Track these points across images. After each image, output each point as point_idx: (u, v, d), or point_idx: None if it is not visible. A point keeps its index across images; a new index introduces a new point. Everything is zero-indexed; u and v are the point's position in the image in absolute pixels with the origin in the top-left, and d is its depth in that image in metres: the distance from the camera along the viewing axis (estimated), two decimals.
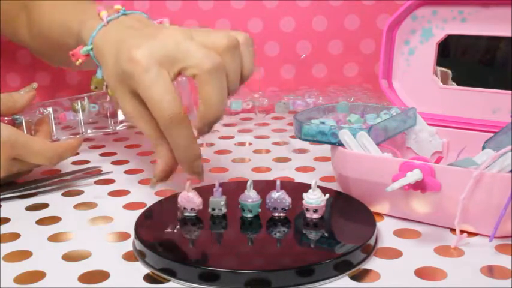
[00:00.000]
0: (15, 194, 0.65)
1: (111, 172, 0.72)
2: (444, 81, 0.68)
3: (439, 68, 0.69)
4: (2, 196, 0.64)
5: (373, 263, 0.49)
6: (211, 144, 0.84)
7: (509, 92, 0.64)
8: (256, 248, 0.51)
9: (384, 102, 0.80)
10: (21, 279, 0.48)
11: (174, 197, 0.58)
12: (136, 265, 0.50)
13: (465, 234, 0.53)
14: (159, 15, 1.00)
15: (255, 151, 0.81)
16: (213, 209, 0.55)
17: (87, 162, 0.77)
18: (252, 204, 0.54)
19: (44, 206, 0.63)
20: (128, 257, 0.51)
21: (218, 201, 0.54)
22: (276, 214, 0.54)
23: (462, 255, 0.50)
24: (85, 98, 0.73)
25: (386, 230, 0.55)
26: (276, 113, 0.92)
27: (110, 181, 0.70)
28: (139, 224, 0.54)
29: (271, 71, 1.03)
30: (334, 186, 0.64)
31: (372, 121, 0.65)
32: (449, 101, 0.68)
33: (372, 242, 0.50)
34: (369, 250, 0.50)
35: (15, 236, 0.55)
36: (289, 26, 1.01)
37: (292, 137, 0.85)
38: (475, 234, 0.53)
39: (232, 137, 0.88)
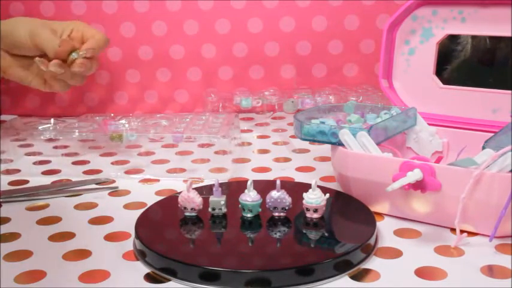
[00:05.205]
0: (17, 199, 0.65)
1: (117, 187, 0.68)
2: None
3: None
4: (3, 199, 0.64)
5: (373, 263, 0.49)
6: (210, 145, 0.84)
7: (509, 92, 0.64)
8: (257, 248, 0.51)
9: None
10: (21, 279, 0.48)
11: (174, 197, 0.58)
12: (136, 265, 0.50)
13: (465, 234, 0.53)
14: (159, 15, 1.01)
15: (255, 151, 0.81)
16: (213, 209, 0.55)
17: (87, 162, 0.78)
18: (252, 204, 0.54)
19: (45, 206, 0.63)
20: (128, 256, 0.51)
21: (218, 201, 0.54)
22: (276, 214, 0.54)
23: (462, 255, 0.50)
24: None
25: (386, 230, 0.55)
26: (285, 111, 0.92)
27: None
28: (139, 224, 0.54)
29: (271, 71, 1.03)
30: (334, 186, 0.64)
31: (372, 121, 0.65)
32: (449, 101, 0.68)
33: (372, 241, 0.50)
34: (369, 250, 0.50)
35: (15, 236, 0.55)
36: (289, 26, 1.01)
37: (292, 136, 0.86)
38: (475, 234, 0.53)
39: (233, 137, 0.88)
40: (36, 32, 0.78)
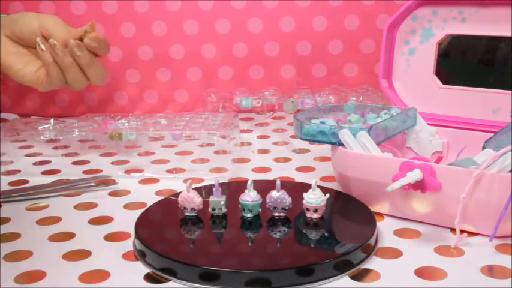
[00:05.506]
0: (17, 199, 0.65)
1: (116, 183, 0.69)
2: None
3: None
4: (3, 199, 0.64)
5: (373, 263, 0.49)
6: (211, 144, 0.84)
7: (509, 92, 0.64)
8: (257, 248, 0.51)
9: None
10: (21, 279, 0.48)
11: (174, 197, 0.58)
12: (136, 265, 0.50)
13: (465, 234, 0.53)
14: (159, 15, 1.01)
15: (255, 151, 0.81)
16: (213, 209, 0.55)
17: (87, 162, 0.78)
18: (252, 204, 0.54)
19: (45, 206, 0.63)
20: (128, 256, 0.51)
21: (218, 201, 0.54)
22: (276, 214, 0.54)
23: (462, 255, 0.50)
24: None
25: (386, 230, 0.55)
26: (285, 111, 0.92)
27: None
28: (139, 224, 0.54)
29: (271, 71, 1.03)
30: (334, 186, 0.64)
31: (372, 121, 0.65)
32: (449, 101, 0.68)
33: (372, 241, 0.50)
34: (369, 250, 0.50)
35: (15, 236, 0.55)
36: (289, 26, 1.01)
37: (292, 136, 0.85)
38: (475, 234, 0.53)
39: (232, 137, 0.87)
40: (45, 21, 0.78)
